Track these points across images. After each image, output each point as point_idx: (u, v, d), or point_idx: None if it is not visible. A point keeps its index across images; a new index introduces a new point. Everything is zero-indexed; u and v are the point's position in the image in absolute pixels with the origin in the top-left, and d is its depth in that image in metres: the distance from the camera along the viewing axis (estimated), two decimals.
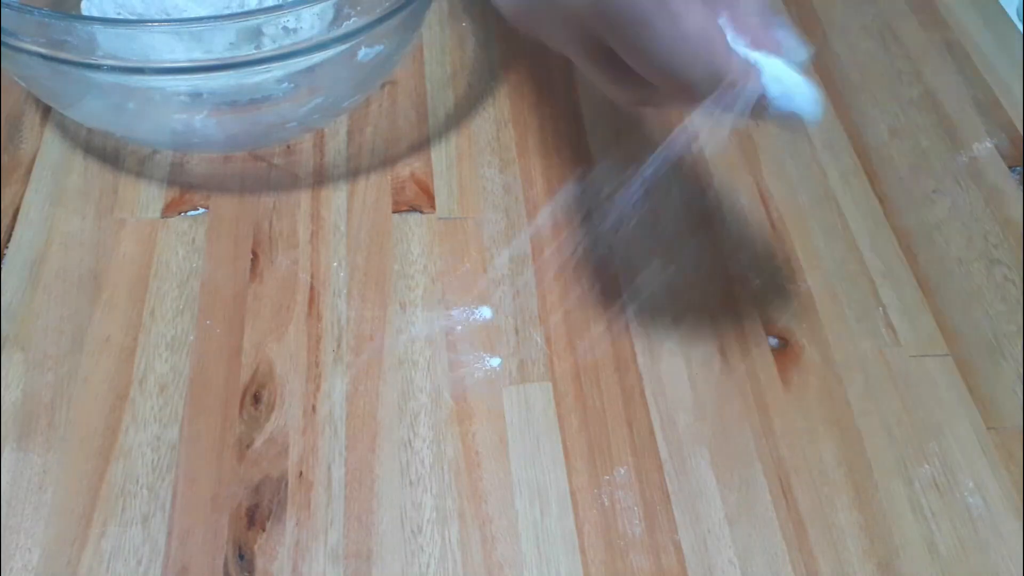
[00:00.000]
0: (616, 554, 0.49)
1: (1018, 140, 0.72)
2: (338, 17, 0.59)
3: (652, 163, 0.54)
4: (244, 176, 0.65)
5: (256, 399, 0.54)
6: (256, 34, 0.55)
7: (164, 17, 0.60)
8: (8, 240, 0.60)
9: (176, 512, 0.49)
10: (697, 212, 0.65)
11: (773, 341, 0.59)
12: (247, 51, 0.54)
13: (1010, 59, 0.78)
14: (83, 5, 0.64)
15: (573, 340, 0.58)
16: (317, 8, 0.57)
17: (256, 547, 0.49)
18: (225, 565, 0.48)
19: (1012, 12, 0.82)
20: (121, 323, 0.57)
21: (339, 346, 0.57)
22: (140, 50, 0.53)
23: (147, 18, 0.60)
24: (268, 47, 0.55)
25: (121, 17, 0.60)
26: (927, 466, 0.54)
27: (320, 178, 0.65)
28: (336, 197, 0.64)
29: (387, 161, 0.67)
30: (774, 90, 0.43)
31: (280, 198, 0.64)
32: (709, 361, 0.57)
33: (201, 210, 0.63)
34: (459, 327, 0.58)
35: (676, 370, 0.57)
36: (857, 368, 0.58)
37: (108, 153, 0.66)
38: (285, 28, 0.57)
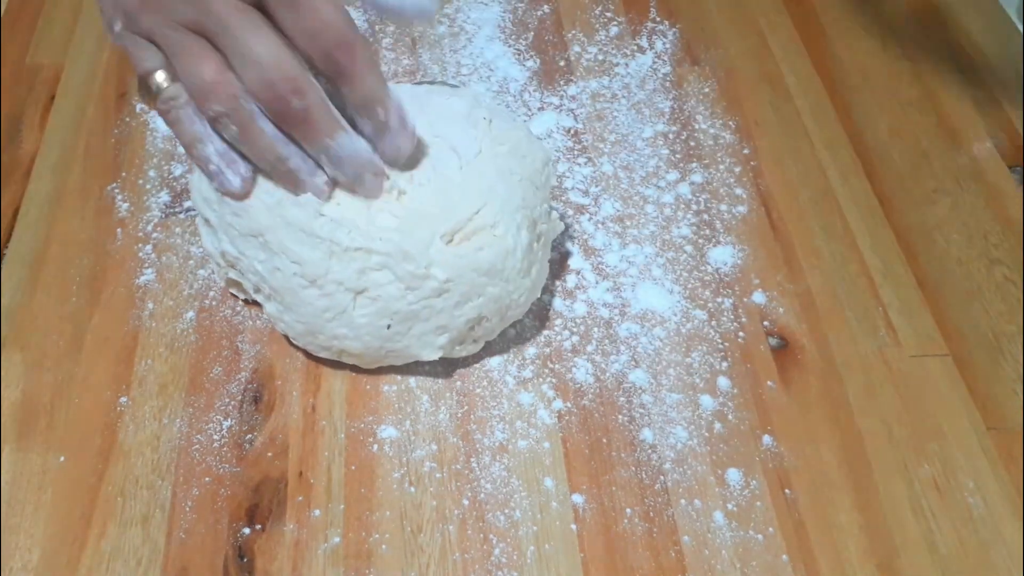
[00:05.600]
0: (616, 554, 0.49)
1: (1018, 140, 0.72)
2: None
3: None
4: None
5: (256, 399, 0.54)
6: None
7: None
8: (8, 240, 0.60)
9: (176, 512, 0.49)
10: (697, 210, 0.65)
11: (773, 341, 0.59)
12: None
13: (1010, 59, 0.78)
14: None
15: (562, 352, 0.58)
16: None
17: (256, 547, 0.49)
18: (225, 565, 0.48)
19: (1012, 12, 0.82)
20: (121, 323, 0.57)
21: None
22: None
23: None
24: None
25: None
26: (927, 466, 0.54)
27: None
28: None
29: None
30: None
31: None
32: (710, 361, 0.57)
33: None
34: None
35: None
36: (857, 368, 0.58)
37: (108, 153, 0.66)
38: None
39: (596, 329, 0.59)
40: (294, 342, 0.55)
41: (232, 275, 0.55)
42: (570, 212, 0.65)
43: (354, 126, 0.49)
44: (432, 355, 0.53)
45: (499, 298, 0.53)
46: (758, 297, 0.61)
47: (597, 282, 0.61)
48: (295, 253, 0.50)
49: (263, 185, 0.51)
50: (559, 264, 0.61)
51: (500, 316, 0.54)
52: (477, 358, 0.56)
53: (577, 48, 0.76)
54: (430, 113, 0.55)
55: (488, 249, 0.51)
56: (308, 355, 0.56)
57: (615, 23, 0.79)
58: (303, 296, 0.51)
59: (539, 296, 0.58)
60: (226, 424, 0.53)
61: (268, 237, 0.51)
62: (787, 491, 0.52)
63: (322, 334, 0.52)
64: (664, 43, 0.77)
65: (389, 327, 0.52)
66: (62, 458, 0.51)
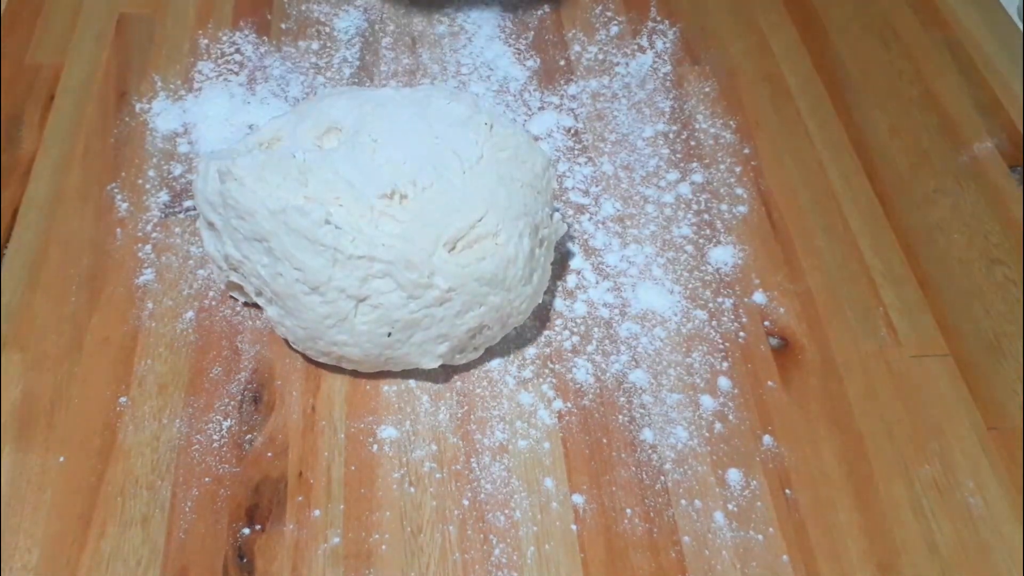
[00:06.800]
0: (616, 554, 0.49)
1: (1018, 140, 0.72)
2: None
3: None
4: None
5: (256, 399, 0.54)
6: None
7: None
8: (8, 240, 0.60)
9: (176, 512, 0.49)
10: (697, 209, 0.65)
11: (773, 341, 0.59)
12: None
13: (1010, 59, 0.78)
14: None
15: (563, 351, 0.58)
16: None
17: (256, 547, 0.49)
18: (225, 566, 0.48)
19: (1012, 12, 0.82)
20: (121, 323, 0.57)
21: None
22: None
23: None
24: None
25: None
26: (927, 466, 0.54)
27: None
28: None
29: None
30: None
31: None
32: (710, 361, 0.57)
33: None
34: None
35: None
36: (857, 368, 0.58)
37: (107, 153, 0.66)
38: None
39: (596, 329, 0.59)
40: (294, 347, 0.55)
41: (234, 278, 0.55)
42: (570, 212, 0.65)
43: None
44: (432, 363, 0.53)
45: (500, 307, 0.53)
46: (758, 297, 0.61)
47: (597, 282, 0.61)
48: (298, 260, 0.50)
49: (268, 191, 0.51)
50: (559, 264, 0.61)
51: (501, 324, 0.54)
52: (477, 359, 0.56)
53: (577, 48, 0.76)
54: (430, 116, 0.55)
55: (490, 258, 0.51)
56: (307, 356, 0.56)
57: (615, 23, 0.79)
58: (305, 302, 0.51)
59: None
60: (226, 424, 0.53)
61: (272, 243, 0.51)
62: (787, 491, 0.52)
63: (322, 340, 0.52)
64: (664, 43, 0.77)
65: (390, 335, 0.51)
66: (62, 458, 0.51)
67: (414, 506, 0.50)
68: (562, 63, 0.75)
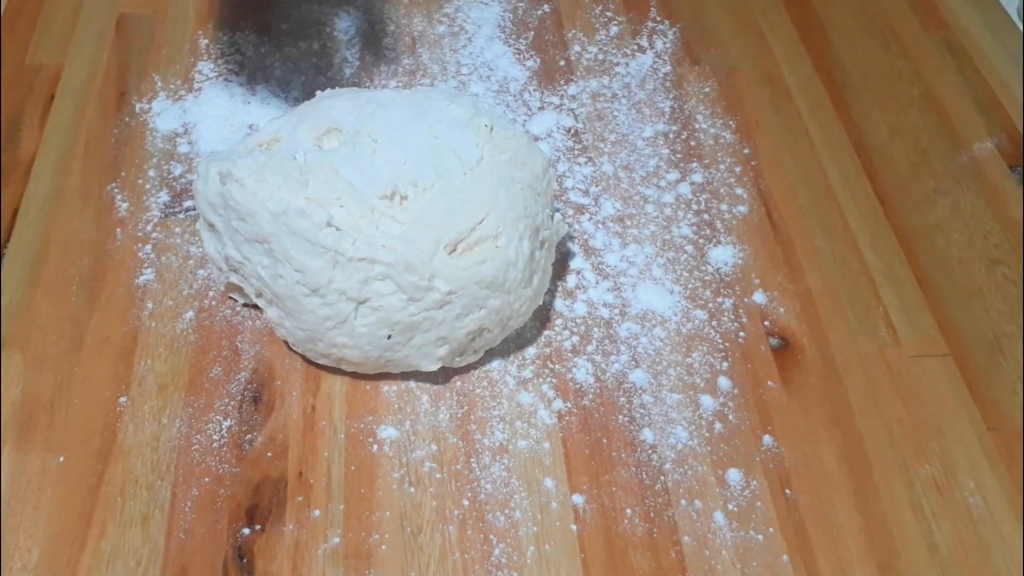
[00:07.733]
0: (616, 554, 0.49)
1: (1018, 140, 0.72)
2: None
3: None
4: None
5: (256, 399, 0.54)
6: None
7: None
8: (8, 240, 0.60)
9: (176, 512, 0.49)
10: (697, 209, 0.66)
11: (773, 341, 0.59)
12: None
13: (1010, 59, 0.78)
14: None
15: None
16: None
17: (256, 547, 0.49)
18: (225, 565, 0.48)
19: (1012, 12, 0.82)
20: (121, 323, 0.57)
21: None
22: None
23: None
24: None
25: None
26: (927, 466, 0.54)
27: None
28: None
29: None
30: None
31: None
32: (710, 361, 0.57)
33: None
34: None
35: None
36: (857, 368, 0.58)
37: (107, 153, 0.66)
38: None
39: (596, 329, 0.59)
40: (293, 348, 0.55)
41: (234, 279, 0.55)
42: (570, 212, 0.65)
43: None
44: (431, 366, 0.53)
45: (500, 309, 0.53)
46: (758, 297, 0.61)
47: (597, 282, 0.61)
48: (299, 262, 0.50)
49: (269, 192, 0.51)
50: (560, 264, 0.61)
51: (501, 327, 0.54)
52: (481, 360, 0.56)
53: (577, 48, 0.76)
54: (430, 117, 0.55)
55: (490, 262, 0.51)
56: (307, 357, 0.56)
57: (615, 23, 0.79)
58: (305, 304, 0.51)
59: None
60: (226, 424, 0.53)
61: (273, 244, 0.51)
62: (787, 491, 0.52)
63: (322, 342, 0.52)
64: (664, 43, 0.77)
65: (389, 337, 0.51)
66: (62, 458, 0.51)
67: (414, 506, 0.50)
68: (562, 63, 0.75)
